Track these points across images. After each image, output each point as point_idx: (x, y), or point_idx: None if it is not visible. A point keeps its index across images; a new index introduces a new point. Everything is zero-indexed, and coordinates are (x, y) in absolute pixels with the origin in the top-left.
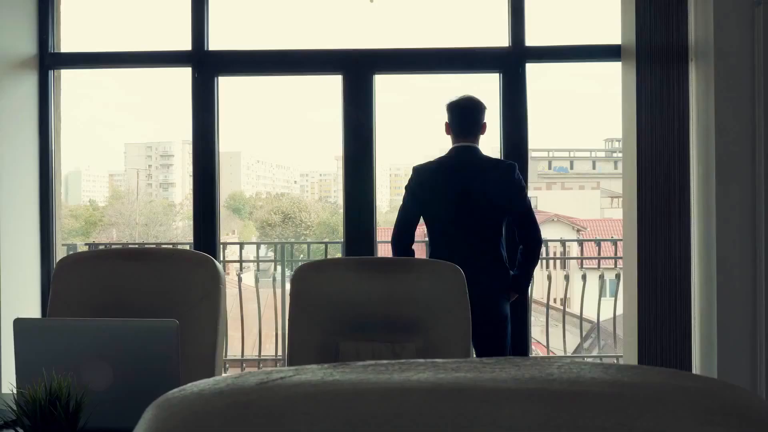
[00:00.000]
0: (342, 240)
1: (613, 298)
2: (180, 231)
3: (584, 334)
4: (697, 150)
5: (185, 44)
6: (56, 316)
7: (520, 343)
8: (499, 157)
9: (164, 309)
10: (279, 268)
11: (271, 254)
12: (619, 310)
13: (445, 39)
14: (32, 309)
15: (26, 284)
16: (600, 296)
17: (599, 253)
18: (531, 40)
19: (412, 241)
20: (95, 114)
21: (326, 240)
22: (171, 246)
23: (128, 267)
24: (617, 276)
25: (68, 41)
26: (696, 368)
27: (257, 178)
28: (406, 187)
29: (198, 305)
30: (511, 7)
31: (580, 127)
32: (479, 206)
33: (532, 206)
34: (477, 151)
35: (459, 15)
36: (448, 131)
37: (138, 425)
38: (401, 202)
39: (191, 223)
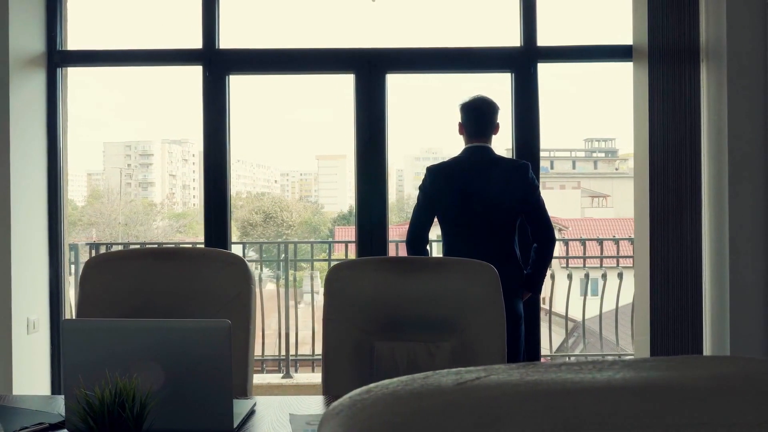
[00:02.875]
0: (354, 239)
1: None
2: (161, 231)
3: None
4: (708, 149)
5: (195, 43)
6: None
7: (531, 344)
8: (511, 157)
9: (195, 309)
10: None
11: (251, 254)
12: (603, 309)
13: (455, 39)
14: (41, 309)
15: (36, 283)
16: (587, 295)
17: (585, 252)
18: (541, 40)
19: (426, 241)
20: (75, 113)
21: (330, 239)
22: (175, 245)
23: (157, 267)
24: (619, 275)
25: (77, 39)
26: None
27: (237, 178)
28: (420, 188)
29: (229, 305)
30: (522, 7)
31: (559, 127)
32: (493, 205)
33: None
34: (490, 151)
35: (470, 15)
36: (461, 131)
37: (325, 429)
38: (415, 203)
39: (171, 223)
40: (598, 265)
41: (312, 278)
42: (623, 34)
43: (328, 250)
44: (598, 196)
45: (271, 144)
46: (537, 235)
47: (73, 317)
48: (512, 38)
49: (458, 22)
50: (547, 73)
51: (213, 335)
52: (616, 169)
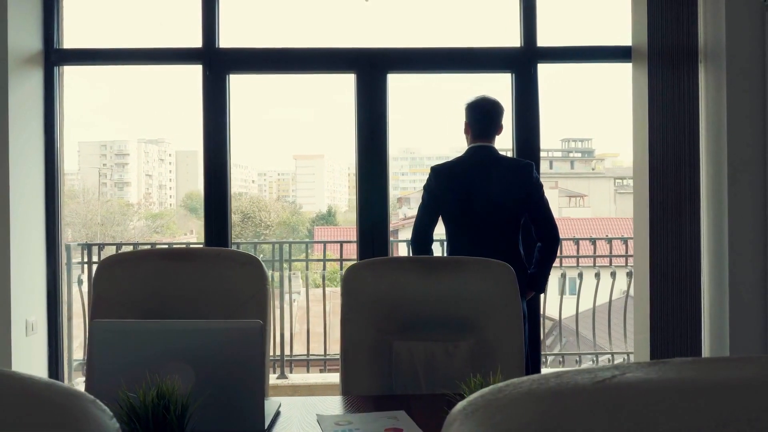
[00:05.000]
0: (356, 239)
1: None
2: (137, 231)
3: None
4: (707, 150)
5: (195, 42)
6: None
7: (532, 344)
8: (514, 156)
9: (211, 310)
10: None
11: None
12: (581, 308)
13: (456, 39)
14: (39, 310)
15: (34, 284)
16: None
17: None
18: (541, 40)
19: (431, 241)
20: None
21: (324, 240)
22: (166, 245)
23: (172, 268)
24: (612, 275)
25: (74, 38)
26: None
27: None
28: (425, 187)
29: (245, 306)
30: (522, 8)
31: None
32: (497, 205)
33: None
34: (494, 150)
35: (471, 15)
36: (467, 131)
37: (458, 428)
38: (420, 202)
39: (148, 223)
40: (578, 264)
41: (306, 279)
42: (623, 35)
43: (322, 251)
44: (575, 196)
45: (248, 143)
46: (541, 234)
47: (71, 318)
48: (512, 39)
49: (459, 22)
50: None
51: (245, 336)
52: (593, 169)
